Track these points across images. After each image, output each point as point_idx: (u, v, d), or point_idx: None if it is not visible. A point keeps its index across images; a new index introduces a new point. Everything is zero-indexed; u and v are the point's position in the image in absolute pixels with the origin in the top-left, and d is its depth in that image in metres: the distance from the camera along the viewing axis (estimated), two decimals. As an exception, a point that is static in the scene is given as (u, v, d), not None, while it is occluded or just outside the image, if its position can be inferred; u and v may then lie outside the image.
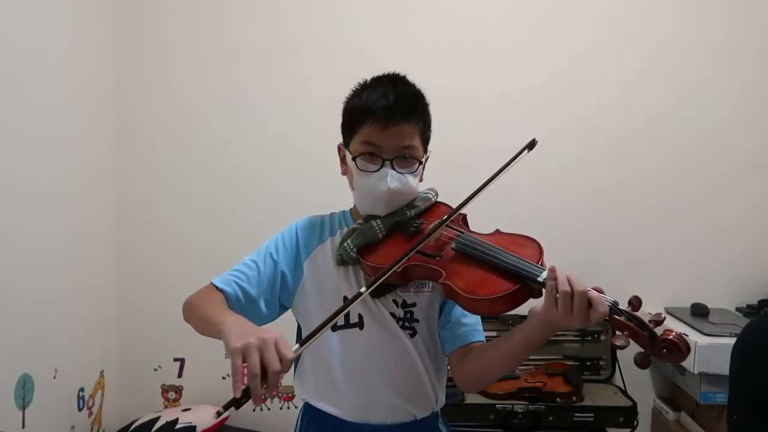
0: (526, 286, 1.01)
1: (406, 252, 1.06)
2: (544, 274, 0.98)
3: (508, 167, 1.14)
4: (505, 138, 2.34)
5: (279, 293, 1.23)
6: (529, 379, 2.12)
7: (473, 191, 1.12)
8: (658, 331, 0.94)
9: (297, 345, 0.93)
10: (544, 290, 0.99)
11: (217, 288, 1.17)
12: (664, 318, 0.95)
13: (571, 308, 0.94)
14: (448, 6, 2.34)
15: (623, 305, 0.96)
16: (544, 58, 2.32)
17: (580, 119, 2.33)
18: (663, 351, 0.92)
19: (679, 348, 0.91)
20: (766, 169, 2.32)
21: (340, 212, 1.32)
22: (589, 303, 0.94)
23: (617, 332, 0.94)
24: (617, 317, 0.94)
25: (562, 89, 2.34)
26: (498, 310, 1.01)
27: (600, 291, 0.96)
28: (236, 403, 0.85)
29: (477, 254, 1.07)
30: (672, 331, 0.93)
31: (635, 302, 0.96)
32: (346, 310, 1.01)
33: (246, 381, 0.85)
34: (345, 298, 1.19)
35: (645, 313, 0.95)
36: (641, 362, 0.94)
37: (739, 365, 1.24)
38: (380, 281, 1.03)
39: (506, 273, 1.02)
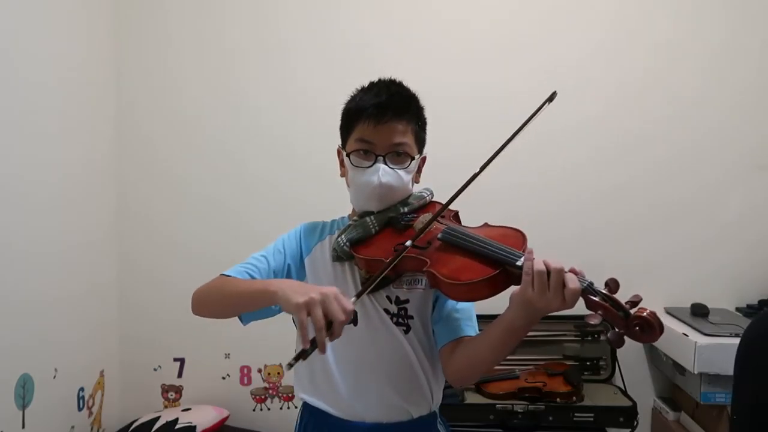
0: (506, 271, 1.03)
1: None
2: (523, 259, 1.00)
3: (530, 121, 1.17)
4: (504, 138, 2.37)
5: None
6: (529, 379, 2.12)
7: (494, 152, 1.14)
8: (634, 311, 0.94)
9: (354, 297, 1.01)
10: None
11: (229, 277, 1.19)
12: (641, 299, 0.95)
13: (547, 286, 0.95)
14: (445, 6, 2.34)
15: (600, 287, 0.97)
16: (544, 58, 2.32)
17: (579, 119, 2.33)
18: (636, 329, 0.92)
19: (652, 325, 0.91)
20: (766, 170, 2.32)
21: (340, 217, 1.36)
22: (563, 281, 0.95)
23: (591, 311, 0.96)
24: (592, 297, 0.96)
25: (561, 89, 2.31)
26: (479, 295, 1.04)
27: (576, 273, 0.97)
28: (304, 354, 0.93)
29: (460, 243, 1.10)
30: (646, 309, 0.92)
31: (612, 284, 0.97)
32: (396, 260, 1.08)
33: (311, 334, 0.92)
34: None
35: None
36: (614, 341, 0.95)
37: (738, 370, 1.23)
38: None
39: (487, 259, 1.05)
